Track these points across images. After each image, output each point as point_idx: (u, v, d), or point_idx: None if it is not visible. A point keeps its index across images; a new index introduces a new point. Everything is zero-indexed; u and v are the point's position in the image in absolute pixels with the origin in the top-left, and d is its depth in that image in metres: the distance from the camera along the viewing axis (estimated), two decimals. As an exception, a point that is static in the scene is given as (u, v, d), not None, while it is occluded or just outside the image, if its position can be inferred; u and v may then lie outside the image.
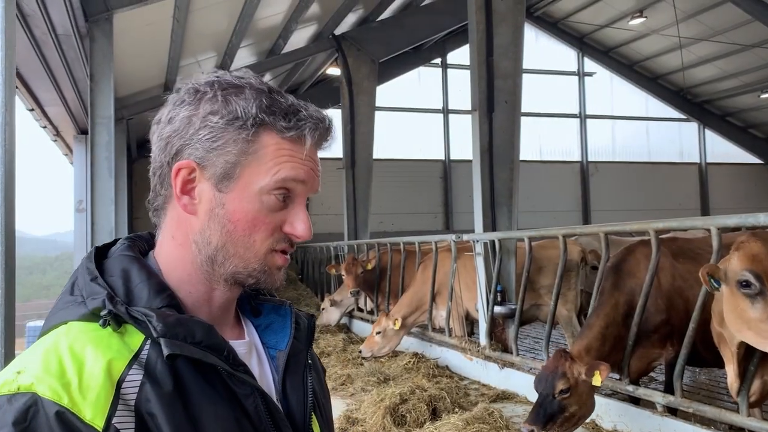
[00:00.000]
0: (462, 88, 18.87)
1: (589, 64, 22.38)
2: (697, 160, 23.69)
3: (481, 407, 5.06)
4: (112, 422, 0.83)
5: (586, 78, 22.41)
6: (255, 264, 0.99)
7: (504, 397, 6.30)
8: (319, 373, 1.21)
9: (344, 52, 13.99)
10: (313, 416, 1.08)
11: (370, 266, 9.76)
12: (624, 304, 4.76)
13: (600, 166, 22.39)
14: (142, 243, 1.06)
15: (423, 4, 15.05)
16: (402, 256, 9.40)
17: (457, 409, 5.39)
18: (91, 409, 0.82)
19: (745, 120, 23.27)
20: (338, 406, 6.17)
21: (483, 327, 7.29)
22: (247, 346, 1.06)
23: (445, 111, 20.82)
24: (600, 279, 5.16)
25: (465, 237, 7.75)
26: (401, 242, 9.59)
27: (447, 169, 20.61)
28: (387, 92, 18.92)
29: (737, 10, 17.11)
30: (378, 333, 7.57)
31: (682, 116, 23.34)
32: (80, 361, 0.85)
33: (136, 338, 0.91)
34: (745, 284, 3.21)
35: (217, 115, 0.96)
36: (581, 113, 22.45)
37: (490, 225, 7.65)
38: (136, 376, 0.87)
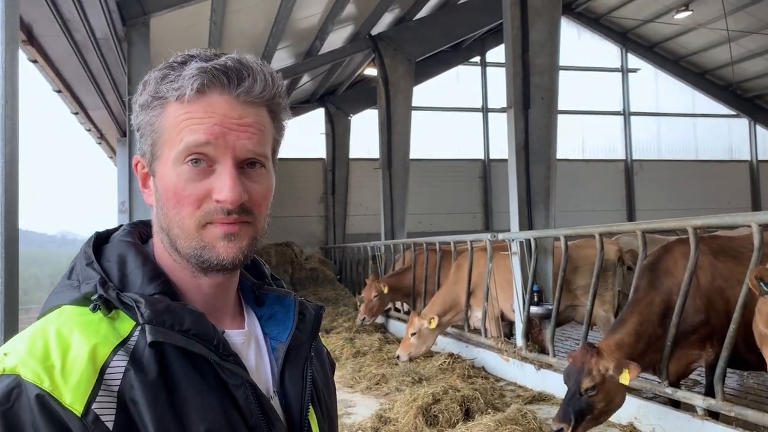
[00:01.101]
0: (501, 86, 18.68)
1: (633, 60, 21.84)
2: (748, 158, 22.86)
3: (514, 408, 4.97)
4: (92, 408, 0.81)
5: (630, 74, 21.88)
6: (192, 241, 0.94)
7: (540, 398, 6.18)
8: (324, 366, 1.19)
9: (381, 52, 13.99)
10: (311, 409, 1.06)
11: (386, 290, 9.72)
12: (660, 303, 4.60)
13: (645, 164, 21.83)
14: (145, 229, 1.05)
15: (460, 2, 14.95)
16: (438, 256, 9.35)
17: (490, 410, 5.31)
18: (72, 394, 0.81)
19: (799, 115, 22.39)
20: (371, 406, 6.15)
21: (519, 327, 7.17)
22: (246, 336, 1.04)
23: (485, 110, 20.62)
24: (637, 277, 5.02)
25: (500, 236, 7.64)
26: (437, 242, 9.52)
27: (486, 169, 20.41)
28: (425, 92, 18.85)
29: (789, 1, 16.47)
30: (413, 334, 7.51)
31: (732, 112, 22.56)
32: (66, 344, 0.85)
33: (126, 324, 0.90)
34: None
35: (137, 103, 0.97)
36: (625, 110, 21.93)
37: (527, 224, 7.52)
38: (120, 362, 0.86)
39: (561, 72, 8.16)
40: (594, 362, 4.16)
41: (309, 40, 13.41)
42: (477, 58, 20.49)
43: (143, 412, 0.84)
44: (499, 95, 19.80)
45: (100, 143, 12.33)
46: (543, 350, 6.91)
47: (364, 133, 18.91)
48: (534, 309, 6.90)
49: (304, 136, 18.54)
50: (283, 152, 1.06)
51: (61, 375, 0.82)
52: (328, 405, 1.15)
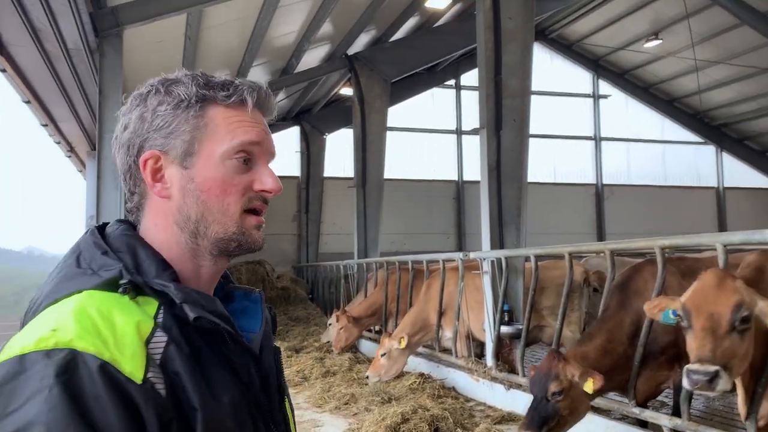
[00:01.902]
0: (475, 109, 18.88)
1: (604, 87, 22.31)
2: (715, 184, 23.40)
3: (482, 428, 4.95)
4: (148, 376, 0.89)
5: (601, 100, 22.33)
6: (233, 227, 1.07)
7: (509, 419, 6.16)
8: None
9: (357, 72, 14.08)
10: (285, 399, 1.17)
11: (349, 322, 9.54)
12: (630, 324, 4.63)
13: (615, 189, 22.20)
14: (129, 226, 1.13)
15: (435, 25, 15.15)
16: (410, 276, 9.33)
17: (459, 430, 5.27)
18: (130, 364, 0.88)
19: (763, 144, 22.99)
20: (340, 425, 6.07)
21: (489, 347, 7.17)
22: None
23: (459, 132, 20.83)
24: (606, 297, 5.05)
25: (472, 255, 7.66)
26: (409, 261, 9.51)
27: (460, 190, 20.55)
28: (401, 113, 18.98)
29: (754, 33, 16.98)
30: (383, 355, 7.46)
31: (699, 139, 23.12)
32: (111, 321, 0.91)
33: (150, 306, 0.97)
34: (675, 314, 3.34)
35: (164, 104, 1.06)
36: (596, 135, 22.33)
37: (498, 243, 7.56)
38: (161, 338, 0.93)
39: (534, 96, 8.28)
40: (561, 367, 4.19)
41: (285, 57, 13.44)
42: (452, 81, 20.73)
43: (185, 383, 0.92)
44: (472, 118, 19.98)
45: (69, 156, 12.14)
46: (513, 370, 6.90)
47: (339, 152, 18.94)
48: (504, 329, 6.91)
49: (278, 153, 18.39)
50: (257, 170, 1.18)
51: (116, 347, 0.88)
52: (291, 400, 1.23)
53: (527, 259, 6.94)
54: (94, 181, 9.89)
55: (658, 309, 3.40)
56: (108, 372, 0.85)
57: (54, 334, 0.87)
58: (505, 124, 7.65)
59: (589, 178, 22.20)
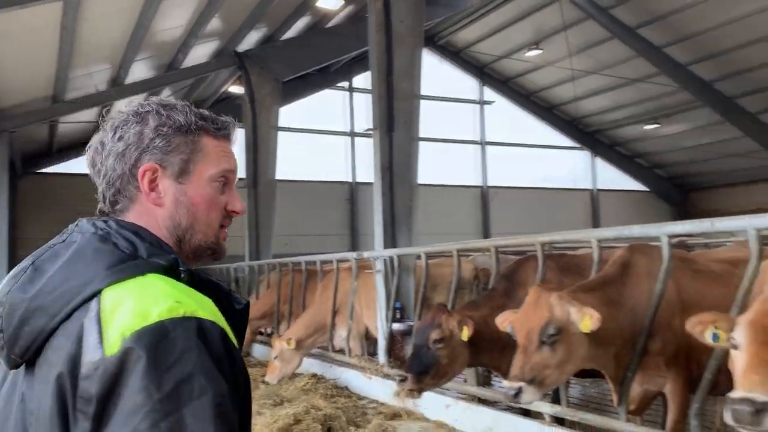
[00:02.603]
0: (368, 111, 19.08)
1: (489, 93, 23.26)
2: (590, 187, 25.05)
3: (375, 424, 5.00)
4: (236, 345, 1.14)
5: (486, 106, 23.26)
6: (212, 237, 1.31)
7: (401, 414, 6.25)
8: None
9: (247, 70, 13.79)
10: None
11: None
12: None
13: (499, 191, 23.19)
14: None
15: (328, 26, 15.14)
16: (303, 277, 9.26)
17: (352, 428, 5.29)
18: (229, 333, 1.12)
19: (631, 149, 24.88)
20: (230, 431, 5.90)
21: (382, 344, 7.25)
22: None
23: (352, 134, 20.95)
24: (494, 282, 5.35)
25: (365, 254, 7.73)
26: (303, 261, 9.44)
27: (353, 192, 20.67)
28: (293, 113, 18.81)
29: (624, 46, 18.36)
30: (275, 357, 7.38)
31: (576, 145, 24.66)
32: (203, 299, 1.13)
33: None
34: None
35: (165, 126, 1.26)
36: (482, 140, 23.24)
37: (390, 242, 7.68)
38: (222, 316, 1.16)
39: (423, 101, 8.47)
40: (444, 318, 4.55)
41: (171, 53, 12.92)
42: (345, 83, 20.82)
43: (235, 351, 1.12)
44: (365, 121, 20.21)
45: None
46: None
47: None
48: (396, 326, 7.02)
49: (164, 153, 17.72)
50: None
51: (218, 318, 1.11)
52: None
53: (418, 257, 7.10)
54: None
55: (703, 327, 2.97)
56: (225, 337, 1.09)
57: (181, 305, 1.06)
58: (396, 125, 7.79)
59: (475, 181, 23.06)
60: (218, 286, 1.23)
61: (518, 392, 3.37)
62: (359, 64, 19.63)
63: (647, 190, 25.71)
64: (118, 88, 12.96)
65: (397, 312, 7.13)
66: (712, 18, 16.47)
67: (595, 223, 24.23)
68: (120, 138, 1.24)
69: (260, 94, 13.85)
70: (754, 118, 19.81)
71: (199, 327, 1.05)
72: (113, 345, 1.01)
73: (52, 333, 1.07)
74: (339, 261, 8.24)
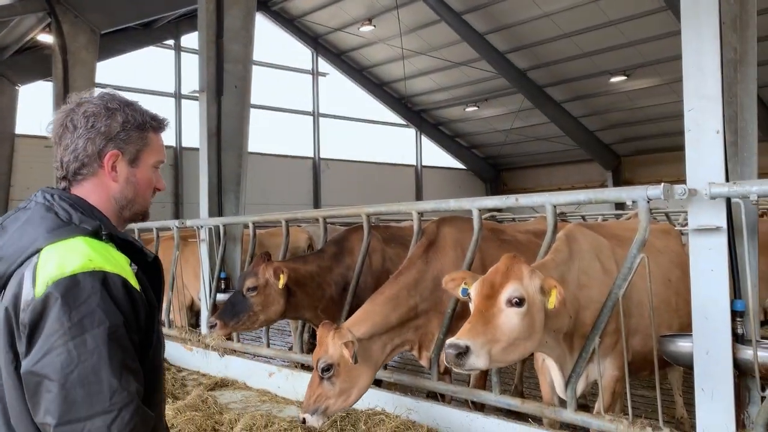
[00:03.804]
0: (196, 73, 18.17)
1: (324, 65, 23.28)
2: (414, 163, 26.22)
3: (194, 394, 4.90)
4: (139, 287, 1.58)
5: (321, 78, 23.26)
6: (145, 206, 1.83)
7: (223, 384, 6.18)
8: None
9: (58, 17, 12.42)
10: None
11: None
12: (338, 275, 5.13)
13: (331, 163, 23.45)
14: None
15: (154, -22, 14.09)
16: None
17: (170, 399, 5.13)
18: (132, 280, 1.57)
19: (453, 130, 26.40)
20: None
21: (205, 315, 7.07)
22: None
23: (178, 95, 19.88)
24: (324, 246, 5.54)
25: (189, 223, 7.45)
26: (119, 229, 8.84)
27: (178, 157, 19.69)
28: (112, 69, 17.39)
29: (450, 30, 19.30)
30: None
31: (403, 122, 25.61)
32: (112, 255, 1.58)
33: (113, 247, 1.63)
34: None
35: (129, 123, 1.74)
36: (315, 111, 23.26)
37: (216, 211, 7.46)
38: (133, 265, 1.62)
39: (256, 67, 8.27)
40: (262, 268, 4.73)
41: (-36, -11, 11.27)
42: (171, 42, 19.62)
43: (147, 290, 1.63)
44: (193, 83, 19.25)
45: None
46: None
47: (36, 107, 16.61)
48: (221, 296, 6.86)
49: (-47, 103, 15.56)
50: None
51: (123, 270, 1.56)
52: None
53: (246, 226, 6.98)
54: None
55: (456, 284, 3.36)
56: (125, 284, 1.53)
57: (91, 262, 1.50)
58: (226, 89, 7.54)
59: (308, 152, 23.08)
60: (132, 244, 1.69)
61: (463, 353, 2.85)
62: (188, 22, 18.60)
63: (465, 168, 27.51)
64: None
65: (222, 282, 6.98)
66: (528, 11, 17.90)
67: (419, 197, 25.47)
68: (93, 126, 1.69)
69: (74, 45, 12.56)
70: (559, 106, 21.95)
71: (104, 277, 1.50)
72: (40, 289, 1.46)
73: (9, 277, 1.55)
74: (159, 229, 7.83)
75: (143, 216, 1.83)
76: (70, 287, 1.45)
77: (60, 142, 1.70)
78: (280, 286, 4.71)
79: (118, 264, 1.54)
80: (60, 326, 1.42)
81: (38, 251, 1.52)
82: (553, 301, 3.07)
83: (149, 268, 1.69)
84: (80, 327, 1.43)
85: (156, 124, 1.80)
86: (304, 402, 3.82)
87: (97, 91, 1.79)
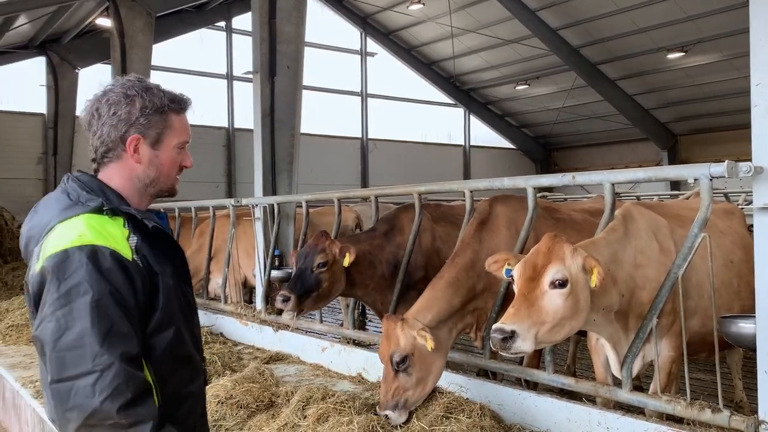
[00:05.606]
0: (247, 55, 18.39)
1: (372, 45, 23.23)
2: (462, 143, 26.01)
3: (252, 367, 5.04)
4: (133, 257, 1.75)
5: (369, 58, 23.23)
6: (170, 184, 1.98)
7: (278, 358, 6.33)
8: None
9: (116, 1, 12.77)
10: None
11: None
12: (389, 253, 5.13)
13: (379, 143, 23.49)
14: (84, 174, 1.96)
15: (206, -40, 14.32)
16: (176, 223, 8.96)
17: (228, 372, 5.31)
18: (124, 251, 1.74)
19: (503, 109, 26.03)
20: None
21: (259, 291, 7.25)
22: None
23: (230, 77, 20.20)
24: (376, 223, 5.55)
25: (244, 201, 7.61)
26: (176, 208, 9.12)
27: (231, 138, 20.07)
28: (166, 52, 17.76)
29: (500, 7, 18.97)
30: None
31: (451, 101, 25.39)
32: (107, 229, 1.75)
33: (119, 221, 1.80)
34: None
35: (148, 108, 1.87)
36: (363, 92, 23.28)
37: (270, 190, 7.60)
38: (134, 237, 1.79)
39: (305, 48, 8.32)
40: (328, 244, 4.76)
41: (28, -25, 11.68)
42: (222, 23, 19.91)
43: (149, 260, 1.80)
44: (244, 64, 19.50)
45: None
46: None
47: (95, 89, 17.15)
48: (275, 273, 7.02)
49: (17, 86, 16.23)
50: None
51: (115, 243, 1.73)
52: None
53: (299, 205, 7.10)
54: None
55: (499, 265, 3.36)
56: (115, 255, 1.70)
57: (81, 238, 1.69)
58: (279, 70, 7.62)
59: (356, 132, 23.17)
60: (133, 216, 1.82)
61: (509, 337, 2.85)
62: (239, 4, 18.84)
63: (514, 147, 27.13)
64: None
65: (276, 260, 7.13)
66: (581, -13, 17.41)
67: (467, 178, 25.29)
68: (114, 113, 1.84)
69: (131, 29, 12.90)
70: (613, 84, 21.37)
71: (92, 250, 1.68)
72: (40, 263, 1.70)
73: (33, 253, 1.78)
74: (215, 208, 8.05)
75: (169, 192, 1.99)
76: (60, 261, 1.66)
77: (90, 129, 1.88)
78: (346, 264, 4.72)
79: (112, 237, 1.72)
80: (51, 297, 1.64)
81: (51, 229, 1.75)
82: (594, 280, 3.04)
83: (155, 233, 1.83)
84: (67, 297, 1.63)
85: (176, 106, 1.92)
86: (381, 399, 3.78)
87: (123, 78, 1.93)
